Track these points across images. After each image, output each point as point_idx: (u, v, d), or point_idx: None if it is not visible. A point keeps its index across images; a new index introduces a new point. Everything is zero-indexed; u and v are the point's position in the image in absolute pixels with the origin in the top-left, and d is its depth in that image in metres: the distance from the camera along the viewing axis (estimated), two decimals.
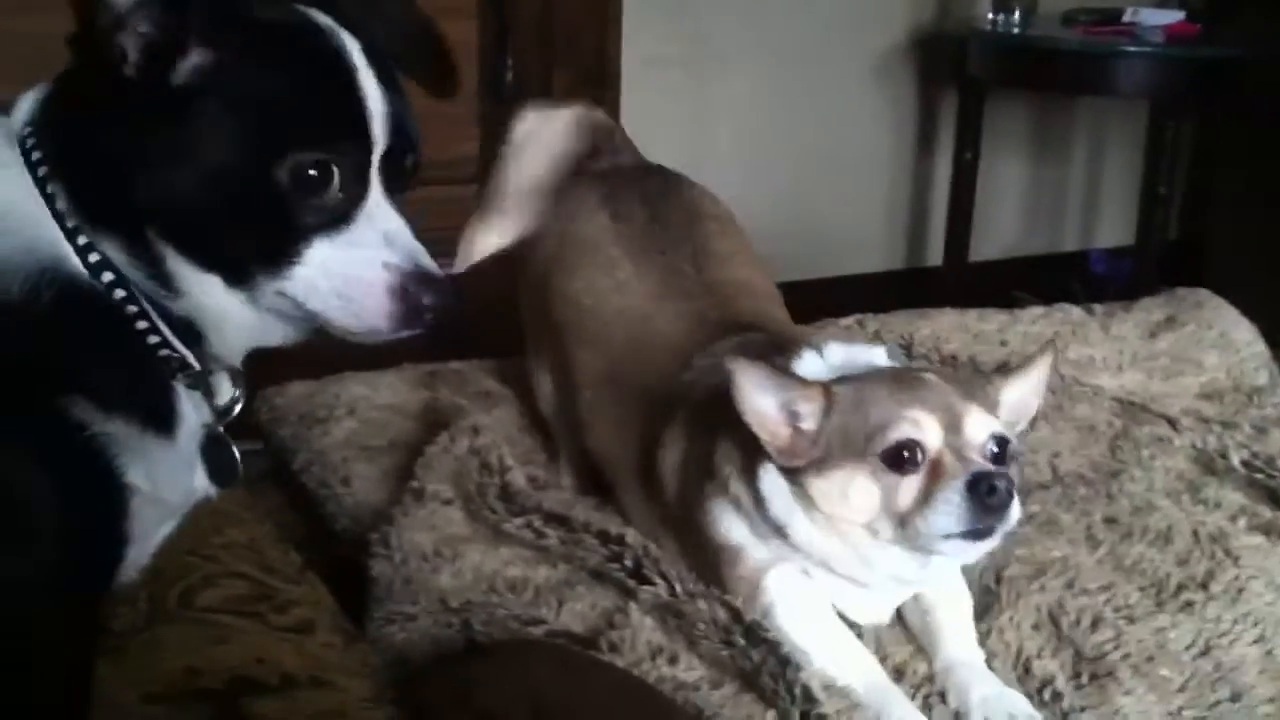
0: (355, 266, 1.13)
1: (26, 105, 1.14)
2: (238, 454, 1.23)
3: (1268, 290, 2.82)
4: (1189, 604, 1.66)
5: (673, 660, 1.51)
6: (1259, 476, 1.95)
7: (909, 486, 1.49)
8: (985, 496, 1.44)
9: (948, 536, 1.47)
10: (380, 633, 1.61)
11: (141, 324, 1.11)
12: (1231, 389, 2.27)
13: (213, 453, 1.21)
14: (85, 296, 1.09)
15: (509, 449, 1.93)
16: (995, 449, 1.52)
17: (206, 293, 1.13)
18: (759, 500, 1.57)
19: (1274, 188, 3.86)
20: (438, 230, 4.01)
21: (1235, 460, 1.99)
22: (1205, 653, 1.59)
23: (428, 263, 1.16)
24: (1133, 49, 3.60)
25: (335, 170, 1.12)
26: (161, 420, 1.14)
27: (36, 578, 1.07)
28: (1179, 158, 3.84)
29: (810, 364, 1.62)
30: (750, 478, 1.58)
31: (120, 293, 1.10)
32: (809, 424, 1.53)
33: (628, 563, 1.66)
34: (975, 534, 1.47)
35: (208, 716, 1.31)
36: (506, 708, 1.32)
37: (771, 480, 1.56)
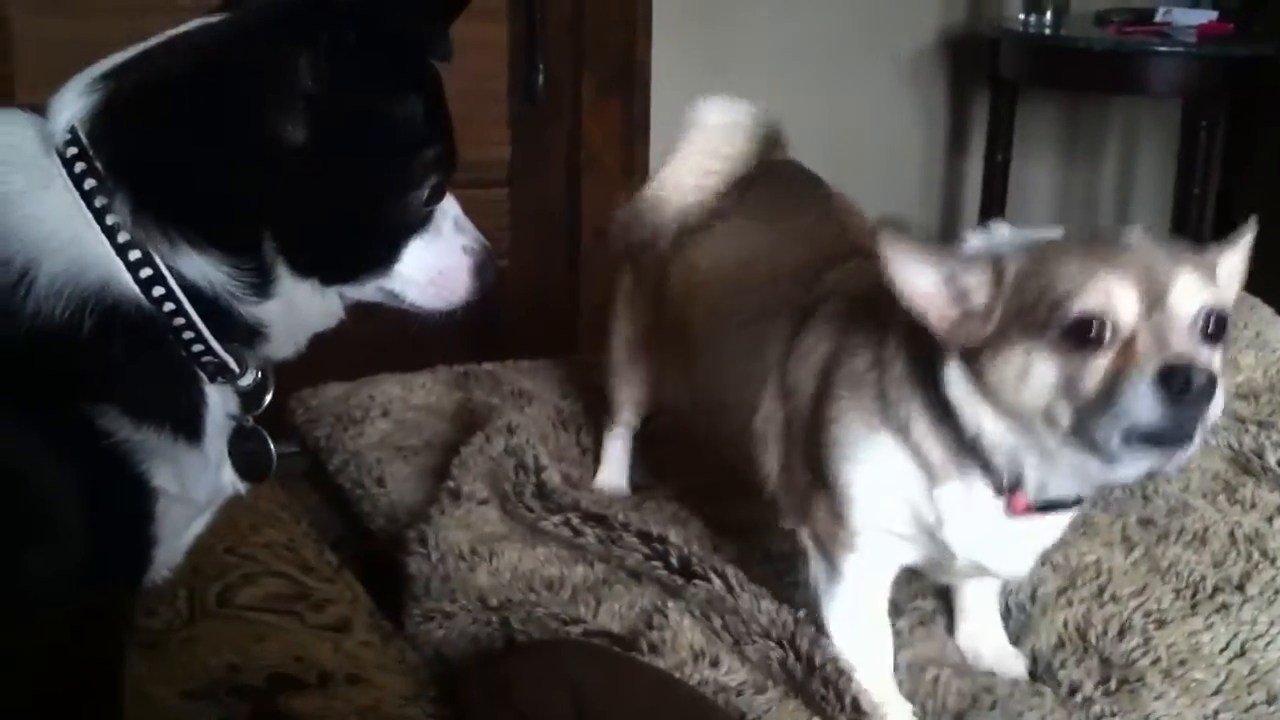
0: (445, 257, 1.23)
1: (69, 112, 1.10)
2: (272, 446, 1.24)
3: None
4: (1225, 606, 1.65)
5: (714, 663, 1.51)
6: None
7: (1094, 370, 1.27)
8: (1178, 392, 1.22)
9: (1129, 440, 1.26)
10: (418, 630, 1.62)
11: (188, 334, 1.12)
12: (1267, 389, 2.25)
13: (244, 446, 1.22)
14: (130, 315, 1.09)
15: (543, 448, 1.94)
16: (1209, 326, 1.29)
17: (297, 294, 1.16)
18: (937, 401, 1.40)
19: None
20: None
21: (1272, 460, 1.97)
22: (1241, 655, 1.59)
23: (483, 239, 1.27)
24: (1165, 48, 3.57)
25: (445, 187, 1.22)
26: (191, 426, 1.15)
27: (62, 577, 1.08)
28: (1212, 157, 3.81)
29: (976, 243, 1.42)
30: (921, 378, 1.42)
31: (169, 305, 1.10)
32: (979, 298, 1.34)
33: (673, 561, 1.66)
34: (1163, 438, 1.26)
35: (246, 713, 1.33)
36: (548, 705, 1.33)
37: (954, 374, 1.38)
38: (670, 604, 1.59)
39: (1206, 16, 3.71)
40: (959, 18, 4.10)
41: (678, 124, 1.95)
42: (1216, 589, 1.68)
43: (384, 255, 1.20)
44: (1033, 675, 1.62)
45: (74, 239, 1.07)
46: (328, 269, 1.18)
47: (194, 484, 1.16)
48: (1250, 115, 4.09)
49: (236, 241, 1.11)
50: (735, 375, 1.67)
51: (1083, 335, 1.27)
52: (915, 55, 4.10)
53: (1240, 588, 1.69)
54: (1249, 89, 3.68)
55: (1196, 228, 3.72)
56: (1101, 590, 1.69)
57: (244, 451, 1.22)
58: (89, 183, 1.08)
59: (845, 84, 3.96)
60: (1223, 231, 4.42)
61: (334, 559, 1.69)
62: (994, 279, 1.35)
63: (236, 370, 1.16)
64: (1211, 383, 1.23)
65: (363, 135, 1.14)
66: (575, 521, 1.77)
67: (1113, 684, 1.55)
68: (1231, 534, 1.79)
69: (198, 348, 1.13)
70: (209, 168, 1.10)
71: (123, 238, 1.08)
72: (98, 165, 1.08)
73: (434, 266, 1.22)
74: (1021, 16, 3.81)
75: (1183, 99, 3.67)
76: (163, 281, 1.09)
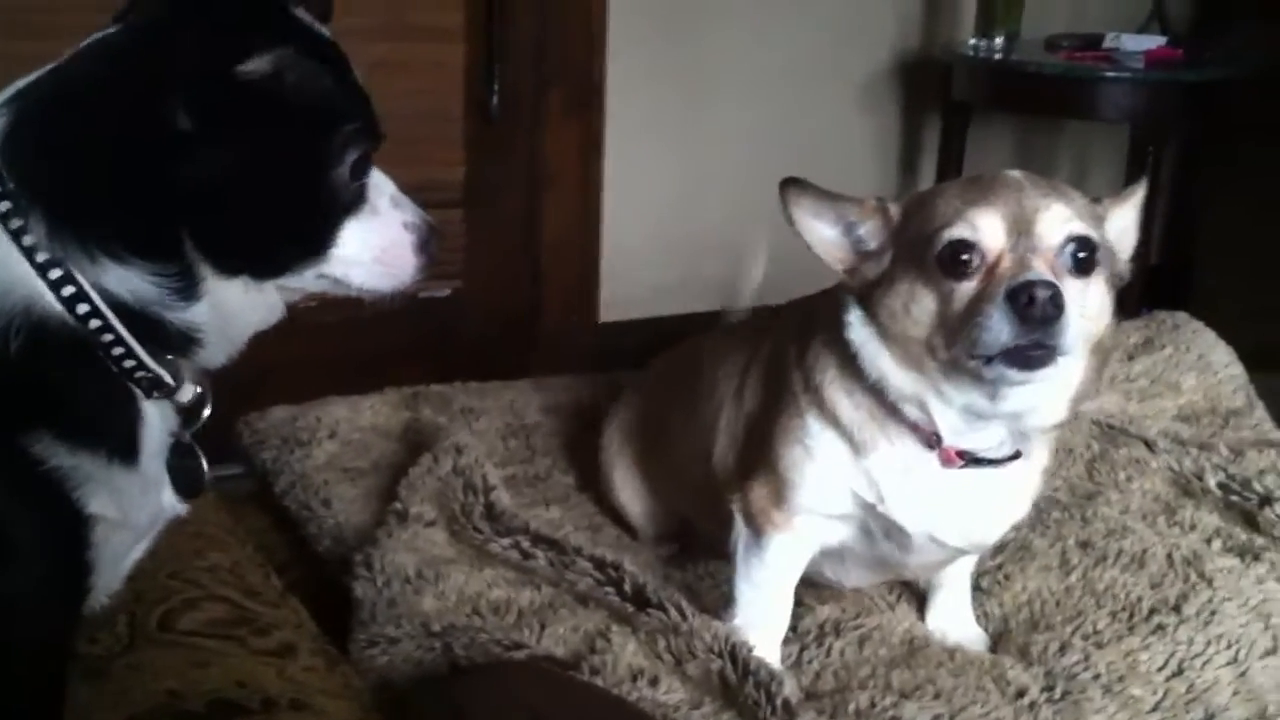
0: (385, 235, 1.21)
1: None
2: (205, 463, 1.23)
3: (1250, 314, 2.83)
4: (1161, 627, 1.68)
5: (653, 682, 1.52)
6: (1234, 499, 1.97)
7: (963, 294, 1.37)
8: (1024, 307, 1.30)
9: (991, 359, 1.35)
10: (363, 655, 1.62)
11: (118, 350, 1.10)
12: (1208, 411, 2.29)
13: (179, 463, 1.20)
14: (57, 335, 1.08)
15: (493, 469, 1.94)
16: (1078, 252, 1.38)
17: (227, 294, 1.14)
18: (853, 369, 1.49)
19: (1257, 212, 3.89)
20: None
21: (1211, 482, 2.00)
22: (1178, 674, 1.61)
23: (425, 214, 1.25)
24: (1113, 74, 3.62)
25: (370, 160, 1.19)
26: (127, 448, 1.13)
27: None
28: (1160, 182, 3.86)
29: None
30: (838, 352, 1.52)
31: (95, 323, 1.09)
32: (873, 243, 1.47)
33: (626, 588, 1.67)
34: (1023, 359, 1.34)
35: None
36: None
37: (854, 316, 1.48)
38: (615, 628, 1.60)
39: (1154, 43, 3.75)
40: (913, 42, 4.14)
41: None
42: (1153, 610, 1.71)
43: (317, 241, 1.16)
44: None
45: None
46: (257, 264, 1.15)
47: (133, 508, 1.15)
48: (1202, 141, 4.15)
49: (155, 248, 1.10)
50: (697, 424, 1.78)
51: (954, 262, 1.37)
52: (870, 78, 4.13)
53: (1177, 609, 1.71)
54: (1198, 114, 3.72)
55: (1143, 250, 3.76)
56: (1039, 615, 1.72)
57: (180, 468, 1.20)
58: (3, 205, 1.07)
59: (801, 106, 3.98)
60: (1176, 254, 4.43)
61: (279, 583, 1.68)
62: (883, 222, 1.46)
63: (172, 384, 1.14)
64: (1056, 300, 1.30)
65: (265, 116, 1.10)
66: (525, 544, 1.77)
67: (1057, 693, 1.58)
68: (1170, 556, 1.82)
69: (129, 363, 1.11)
70: (115, 177, 1.08)
71: (41, 257, 1.06)
72: (10, 187, 1.07)
73: (376, 245, 1.20)
74: (973, 41, 3.85)
75: (1131, 124, 3.72)
76: (86, 298, 1.07)
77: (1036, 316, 1.30)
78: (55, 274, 1.07)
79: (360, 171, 1.18)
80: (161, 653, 1.43)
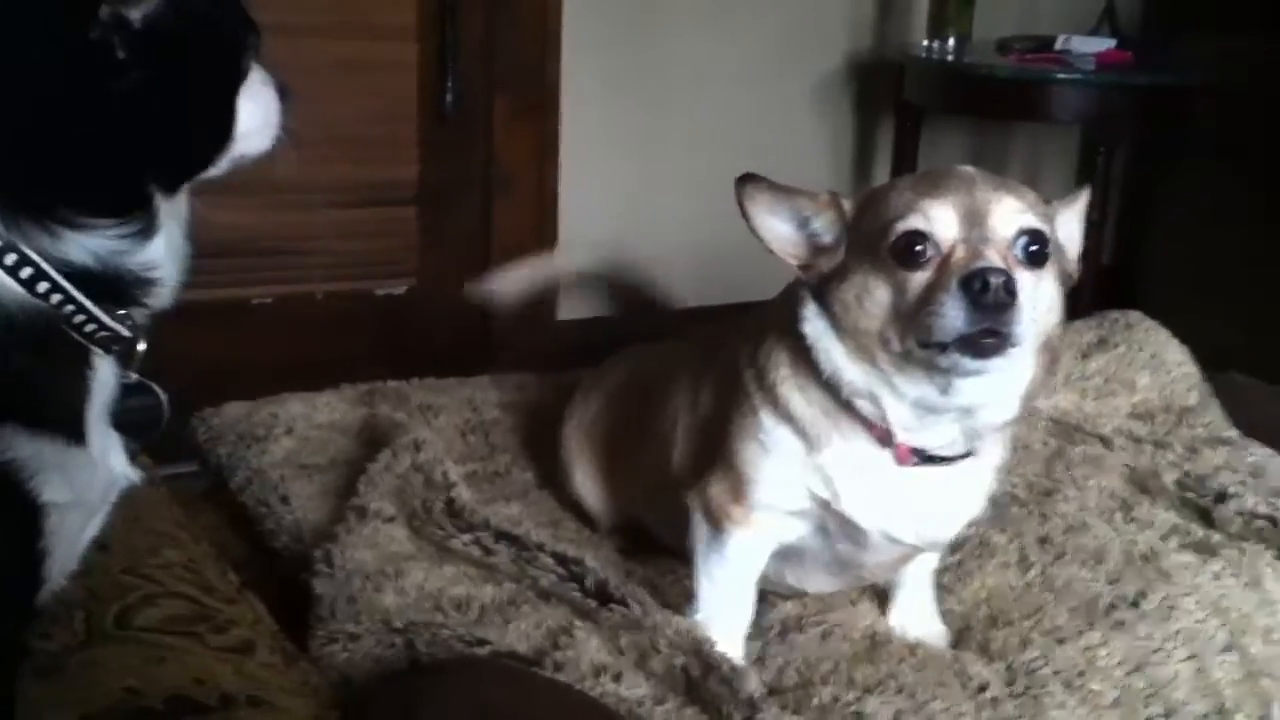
0: (261, 100, 1.23)
1: None
2: (163, 396, 1.22)
3: (1200, 314, 2.86)
4: (1120, 623, 1.69)
5: (616, 678, 1.51)
6: (1190, 495, 1.98)
7: (916, 284, 1.38)
8: (979, 295, 1.32)
9: (945, 347, 1.36)
10: (322, 652, 1.60)
11: (79, 318, 1.09)
12: (1163, 409, 2.31)
13: (131, 404, 1.19)
14: (20, 321, 1.06)
15: (453, 465, 1.93)
16: (1030, 245, 1.40)
17: (171, 214, 1.15)
18: (805, 363, 1.50)
19: (1207, 213, 3.93)
20: (379, 250, 4.02)
21: (1167, 480, 2.02)
22: (1137, 669, 1.62)
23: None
24: (1064, 76, 3.65)
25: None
26: (77, 424, 1.12)
27: None
28: (1111, 184, 3.89)
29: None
30: (790, 347, 1.53)
31: (57, 297, 1.07)
32: (828, 237, 1.48)
33: (588, 584, 1.66)
34: (976, 346, 1.35)
35: None
36: None
37: (809, 310, 1.49)
38: (579, 624, 1.59)
39: (1105, 45, 3.79)
40: (866, 43, 4.16)
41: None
42: (1112, 606, 1.72)
43: (228, 128, 1.19)
44: None
45: None
46: (194, 171, 1.17)
47: (84, 486, 1.13)
48: (1153, 143, 4.19)
49: (123, 196, 1.10)
50: (652, 437, 1.79)
51: (907, 253, 1.39)
52: (823, 80, 4.15)
53: (1135, 605, 1.72)
54: (1148, 117, 3.76)
55: (1095, 253, 3.80)
56: (999, 611, 1.73)
57: (132, 409, 1.19)
58: None
59: (754, 107, 4.00)
60: (1129, 256, 4.48)
61: (236, 579, 1.66)
62: (837, 215, 1.47)
63: (130, 335, 1.14)
64: (1009, 287, 1.32)
65: (181, 43, 1.12)
66: (486, 540, 1.76)
67: (1019, 688, 1.59)
68: (1128, 552, 1.83)
69: (90, 327, 1.10)
70: (69, 143, 1.07)
71: None
72: None
73: (259, 113, 1.22)
74: (925, 43, 3.87)
75: (1082, 126, 3.75)
76: (46, 276, 1.06)
77: (990, 303, 1.32)
78: (10, 259, 1.05)
79: (252, 59, 1.22)
80: (119, 650, 1.40)
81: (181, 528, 1.72)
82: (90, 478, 1.14)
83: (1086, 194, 1.57)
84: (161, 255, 1.14)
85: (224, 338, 3.01)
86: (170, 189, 1.15)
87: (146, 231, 1.12)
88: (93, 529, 1.20)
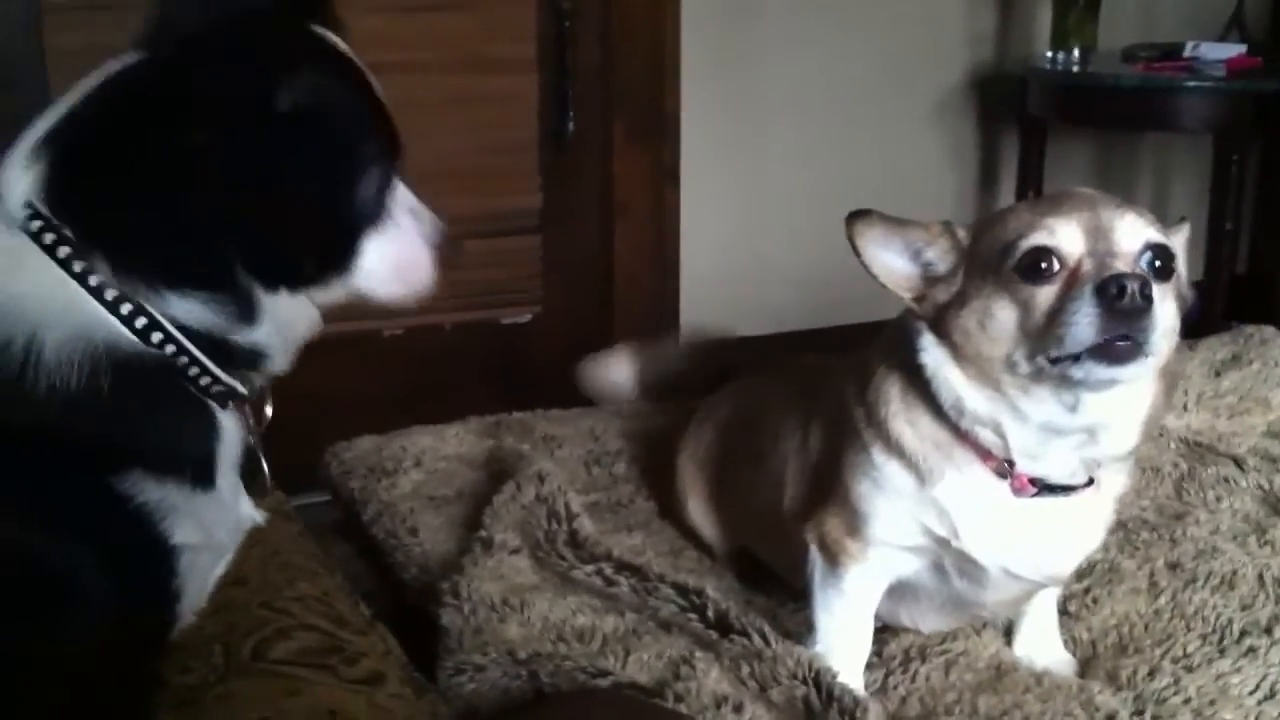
0: (406, 250, 1.25)
1: (19, 188, 1.10)
2: (265, 467, 1.26)
3: None
4: (1252, 650, 1.65)
5: (737, 708, 1.52)
6: None
7: (1044, 299, 1.37)
8: (1115, 300, 1.31)
9: (1079, 358, 1.34)
10: (450, 683, 1.63)
11: (193, 370, 1.13)
12: None
13: (249, 469, 1.24)
14: (139, 368, 1.10)
15: (576, 496, 1.96)
16: (1155, 260, 1.39)
17: (280, 310, 1.18)
18: (918, 395, 1.49)
19: None
20: (505, 279, 4.06)
21: None
22: (1270, 697, 1.58)
23: (441, 225, 1.29)
24: (1193, 84, 3.58)
25: (394, 175, 1.23)
26: (207, 470, 1.16)
27: (88, 645, 1.08)
28: (1244, 191, 3.80)
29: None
30: (901, 380, 1.52)
31: (171, 348, 1.12)
32: (942, 266, 1.47)
33: (710, 614, 1.67)
34: (1112, 353, 1.33)
35: None
36: None
37: (927, 341, 1.47)
38: (699, 654, 1.60)
39: (1235, 51, 3.70)
40: (987, 56, 4.12)
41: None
42: (1244, 633, 1.68)
43: (344, 255, 1.20)
44: None
45: (67, 306, 1.08)
46: (291, 279, 1.18)
47: (215, 528, 1.18)
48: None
49: (210, 277, 1.13)
50: (764, 478, 1.79)
51: (1033, 269, 1.37)
52: (944, 95, 4.12)
53: (1268, 630, 1.68)
54: None
55: (1230, 263, 3.71)
56: (1128, 639, 1.70)
57: (250, 473, 1.24)
58: (63, 250, 1.08)
59: (875, 125, 3.98)
60: (1257, 267, 4.38)
61: (367, 611, 1.70)
62: (951, 244, 1.46)
63: (245, 393, 1.18)
64: (1145, 291, 1.31)
65: (294, 143, 1.12)
66: (608, 571, 1.78)
67: (1147, 717, 1.56)
68: (1260, 577, 1.79)
69: (205, 380, 1.14)
70: (161, 214, 1.10)
71: (110, 294, 1.09)
72: (66, 233, 1.09)
73: (396, 258, 1.23)
74: (1049, 54, 3.82)
75: (1213, 134, 3.67)
76: (159, 327, 1.10)
77: (1126, 308, 1.31)
78: (126, 309, 1.10)
79: (382, 187, 1.22)
80: (254, 682, 1.45)
81: (316, 560, 1.77)
82: (220, 520, 1.19)
83: (1187, 227, 1.55)
84: (265, 340, 1.18)
85: (357, 369, 3.08)
86: (269, 288, 1.16)
87: (246, 316, 1.15)
88: (221, 567, 1.25)
